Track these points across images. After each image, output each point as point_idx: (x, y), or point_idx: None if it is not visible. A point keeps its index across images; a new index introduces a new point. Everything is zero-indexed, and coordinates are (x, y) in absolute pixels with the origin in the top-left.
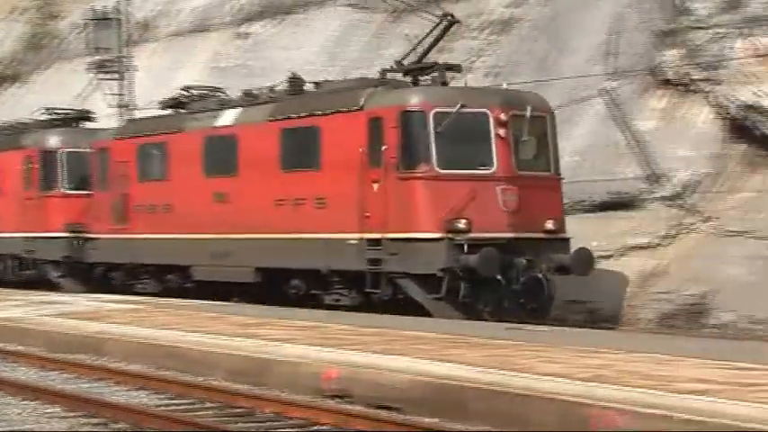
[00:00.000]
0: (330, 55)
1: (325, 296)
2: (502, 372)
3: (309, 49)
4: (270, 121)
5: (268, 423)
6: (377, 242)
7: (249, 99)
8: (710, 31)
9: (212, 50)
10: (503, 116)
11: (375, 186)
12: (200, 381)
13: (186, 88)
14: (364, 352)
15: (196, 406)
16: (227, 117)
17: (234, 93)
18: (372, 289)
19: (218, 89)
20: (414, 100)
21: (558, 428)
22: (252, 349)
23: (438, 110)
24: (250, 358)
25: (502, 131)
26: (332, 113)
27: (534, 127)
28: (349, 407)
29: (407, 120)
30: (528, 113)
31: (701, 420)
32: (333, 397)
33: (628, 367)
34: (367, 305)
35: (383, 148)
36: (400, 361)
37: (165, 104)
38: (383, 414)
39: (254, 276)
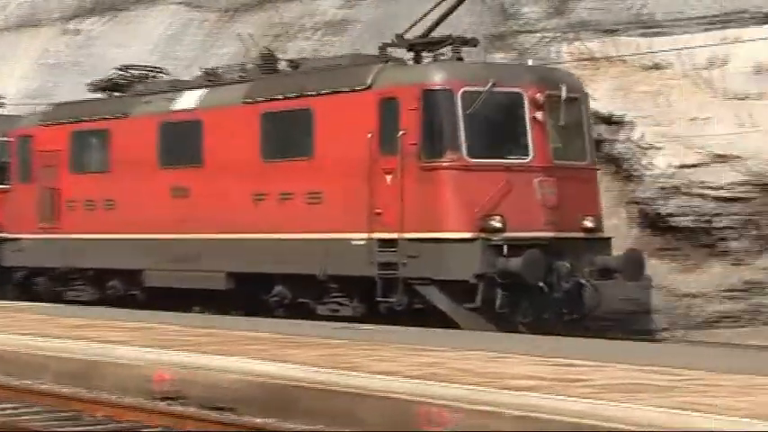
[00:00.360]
0: (162, 54)
1: (319, 306)
2: (335, 371)
3: (142, 47)
4: (246, 103)
5: (99, 426)
6: (390, 243)
7: (212, 79)
8: (538, 34)
9: (41, 47)
10: (539, 96)
11: (388, 178)
12: (28, 384)
13: (123, 68)
14: (197, 353)
15: (22, 410)
16: (188, 100)
17: (64, 92)
18: (383, 297)
19: (158, 69)
20: (438, 77)
21: (390, 427)
22: (83, 351)
23: (467, 89)
24: (81, 360)
25: (539, 114)
26: (329, 93)
27: (570, 110)
28: (181, 408)
29: (431, 100)
30: (564, 94)
31: (530, 416)
32: (165, 399)
33: (459, 365)
34: (372, 315)
35: (400, 133)
36: (233, 361)
37: (98, 87)
38: (213, 415)
39: (225, 283)
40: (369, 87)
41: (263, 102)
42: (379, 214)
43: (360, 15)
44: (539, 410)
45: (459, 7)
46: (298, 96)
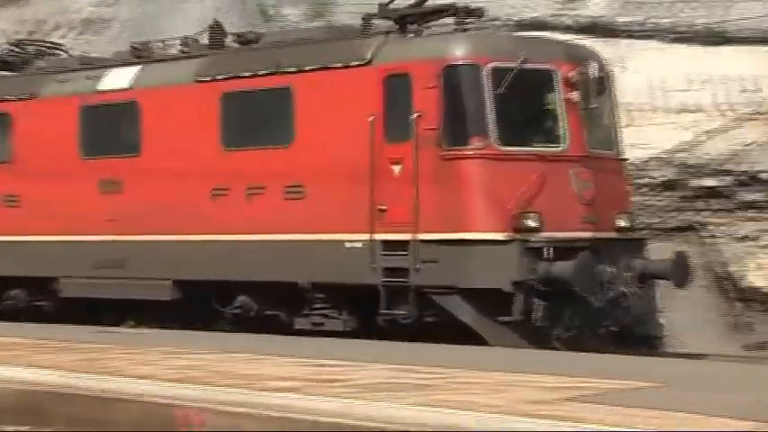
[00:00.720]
0: None
1: (298, 319)
2: (90, 375)
3: None
4: (201, 82)
5: None
6: (398, 245)
7: (143, 54)
8: None
9: None
10: (572, 75)
11: (396, 169)
12: None
13: (15, 43)
14: None
15: None
16: (118, 78)
17: None
18: (388, 309)
19: (57, 45)
20: (462, 50)
21: (143, 429)
22: None
23: (496, 64)
24: None
25: (574, 95)
26: (314, 70)
27: (599, 91)
28: None
29: (454, 77)
30: (594, 72)
31: (285, 416)
32: None
33: (220, 367)
34: (366, 330)
35: (413, 116)
36: None
37: None
38: None
39: (170, 292)
40: (368, 63)
41: (223, 80)
42: (384, 211)
43: (118, 14)
44: (292, 411)
45: (215, 9)
46: (272, 73)
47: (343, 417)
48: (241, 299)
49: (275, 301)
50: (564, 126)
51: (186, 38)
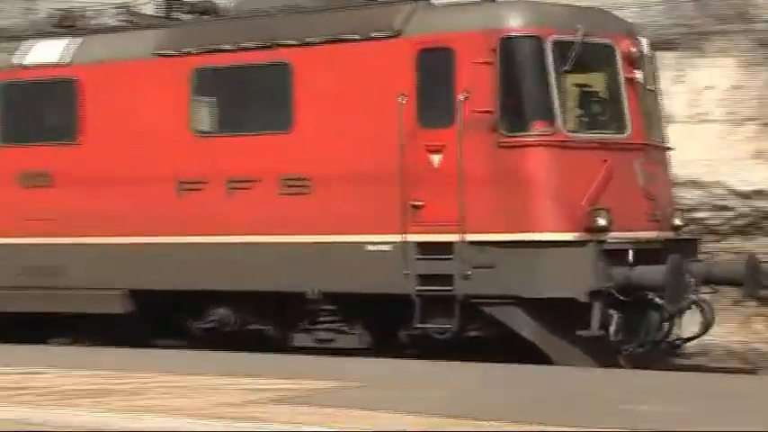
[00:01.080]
0: None
1: (298, 334)
2: None
3: None
4: (162, 56)
5: None
6: (439, 248)
7: (72, 25)
8: None
9: None
10: (633, 50)
11: (435, 159)
12: None
13: None
14: None
15: None
16: (49, 51)
17: None
18: (422, 323)
19: None
20: (518, 20)
21: None
22: None
23: (557, 37)
24: None
25: (637, 74)
26: (322, 43)
27: (650, 70)
28: None
29: (513, 51)
30: (645, 49)
31: None
32: None
33: None
34: (383, 347)
35: (461, 97)
36: None
37: None
38: None
39: (122, 305)
40: (398, 34)
41: (195, 54)
42: (417, 208)
43: None
44: None
45: None
46: (264, 47)
47: (21, 424)
48: (219, 312)
49: (263, 314)
50: (627, 110)
51: (127, 6)
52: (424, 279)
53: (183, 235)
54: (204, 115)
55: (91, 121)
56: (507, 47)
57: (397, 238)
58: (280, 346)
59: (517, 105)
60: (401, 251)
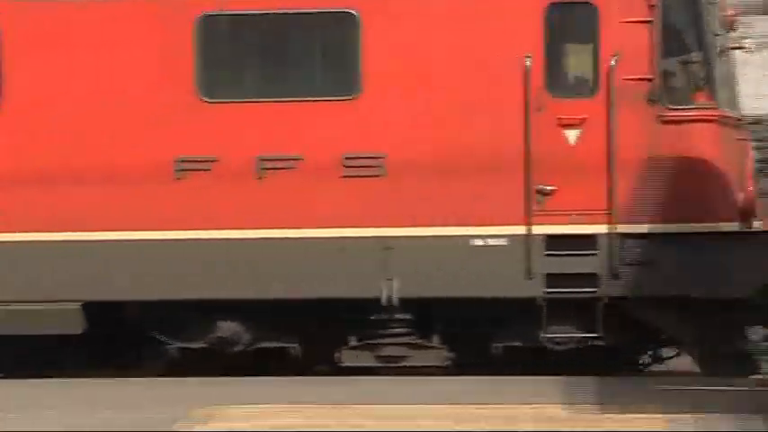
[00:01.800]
0: None
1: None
2: None
3: None
4: None
5: None
6: (581, 241)
7: None
8: None
9: None
10: (732, 13)
11: (571, 135)
12: None
13: None
14: None
15: None
16: None
17: None
18: (551, 333)
19: None
20: None
21: None
22: None
23: None
24: None
25: (748, 43)
26: None
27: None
28: None
29: (680, 7)
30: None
31: None
32: None
33: None
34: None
35: (611, 60)
36: None
37: None
38: None
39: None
40: None
41: None
42: (545, 195)
43: None
44: None
45: None
46: None
47: None
48: (225, 325)
49: (282, 329)
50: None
51: None
52: (554, 279)
53: (179, 229)
54: (221, 74)
55: (11, 84)
56: (671, 2)
57: (517, 230)
58: (298, 367)
59: (686, 75)
60: (523, 246)
